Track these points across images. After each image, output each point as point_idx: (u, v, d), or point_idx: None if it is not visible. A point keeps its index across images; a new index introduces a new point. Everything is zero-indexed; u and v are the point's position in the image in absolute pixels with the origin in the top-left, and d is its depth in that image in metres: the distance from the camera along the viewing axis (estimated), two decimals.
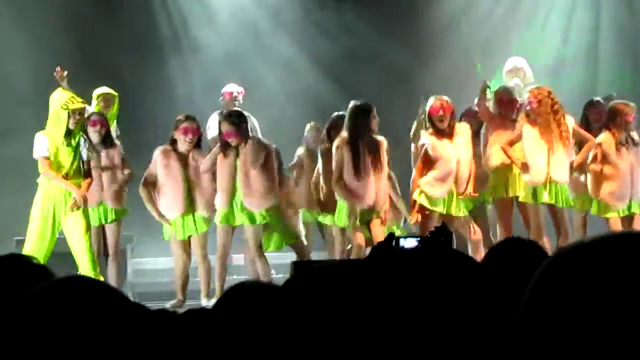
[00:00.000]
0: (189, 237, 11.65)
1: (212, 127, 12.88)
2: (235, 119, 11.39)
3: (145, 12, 15.77)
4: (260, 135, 12.64)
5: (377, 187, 11.25)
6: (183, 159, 11.53)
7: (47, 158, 11.05)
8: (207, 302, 10.98)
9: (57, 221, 11.05)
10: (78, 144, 11.19)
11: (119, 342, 2.40)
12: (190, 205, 11.55)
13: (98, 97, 12.62)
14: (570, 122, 11.27)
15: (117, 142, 12.02)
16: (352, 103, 11.41)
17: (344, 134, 11.21)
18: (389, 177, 11.74)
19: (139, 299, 11.40)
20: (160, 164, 11.39)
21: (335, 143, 11.26)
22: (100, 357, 2.37)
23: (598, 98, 12.21)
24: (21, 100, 14.08)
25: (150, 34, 15.73)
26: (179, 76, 15.12)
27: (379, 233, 11.18)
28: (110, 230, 11.85)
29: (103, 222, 11.81)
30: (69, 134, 11.01)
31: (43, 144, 11.12)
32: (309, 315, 2.22)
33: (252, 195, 11.27)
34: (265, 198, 11.32)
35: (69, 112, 11.00)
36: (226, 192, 11.32)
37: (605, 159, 11.23)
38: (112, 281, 11.43)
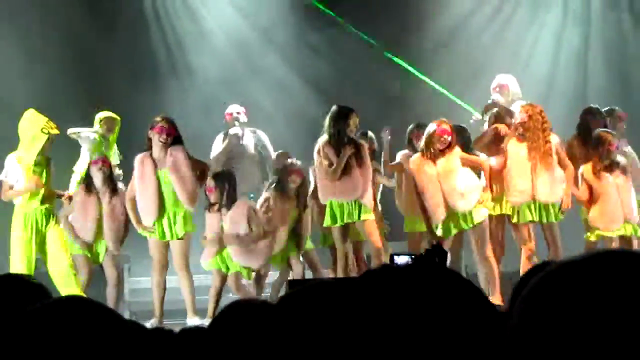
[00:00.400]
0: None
1: (215, 148, 12.92)
2: (221, 181, 11.49)
3: (142, 34, 15.82)
4: (270, 148, 12.72)
5: (365, 182, 11.19)
6: (159, 164, 11.21)
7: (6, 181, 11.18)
8: (194, 321, 10.85)
9: (38, 239, 11.07)
10: (49, 165, 11.29)
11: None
12: (163, 209, 11.23)
13: (101, 120, 12.59)
14: (555, 140, 11.27)
15: (119, 181, 11.93)
16: (333, 107, 11.44)
17: (325, 135, 11.22)
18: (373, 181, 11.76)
19: (136, 317, 11.40)
20: (137, 172, 11.25)
21: (318, 145, 11.24)
22: None
23: (598, 107, 12.29)
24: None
25: (146, 55, 15.77)
26: (175, 98, 15.11)
27: (374, 231, 11.24)
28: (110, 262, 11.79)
29: (100, 260, 11.73)
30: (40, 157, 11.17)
31: (7, 167, 11.28)
32: (302, 333, 2.22)
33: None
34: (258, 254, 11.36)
35: (48, 137, 11.05)
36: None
37: (590, 188, 11.30)
38: (111, 303, 11.36)
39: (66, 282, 10.99)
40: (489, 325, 1.81)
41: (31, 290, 3.50)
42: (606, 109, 12.43)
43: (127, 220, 11.48)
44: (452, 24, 15.98)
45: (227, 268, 11.34)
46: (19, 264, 10.97)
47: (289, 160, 11.87)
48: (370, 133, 12.17)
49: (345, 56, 15.93)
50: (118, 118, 12.49)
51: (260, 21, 15.89)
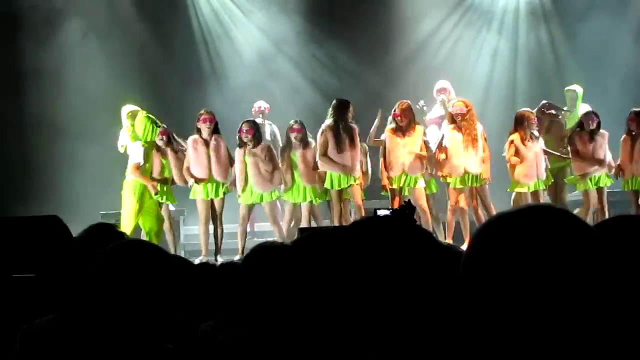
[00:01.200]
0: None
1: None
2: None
3: (191, 49, 15.78)
4: (279, 139, 12.58)
5: (354, 159, 11.15)
6: (206, 143, 11.22)
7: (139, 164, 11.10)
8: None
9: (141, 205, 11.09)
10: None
11: (168, 288, 2.41)
12: (210, 174, 11.18)
13: (128, 113, 12.11)
14: (480, 128, 11.29)
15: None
16: (335, 100, 11.43)
17: (329, 120, 11.16)
18: (364, 153, 11.74)
19: (189, 255, 11.40)
20: (191, 148, 11.24)
21: (322, 128, 11.20)
22: (155, 300, 2.37)
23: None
24: (94, 109, 14.06)
25: (194, 65, 15.72)
26: (215, 97, 15.05)
27: (357, 194, 11.26)
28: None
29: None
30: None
31: (139, 152, 11.18)
32: (310, 269, 2.23)
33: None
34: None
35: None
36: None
37: (517, 152, 11.25)
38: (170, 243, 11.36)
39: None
40: (438, 261, 1.82)
41: (116, 235, 3.52)
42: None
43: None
44: (417, 42, 15.85)
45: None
46: (125, 221, 11.04)
47: (291, 122, 11.76)
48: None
49: (340, 64, 15.91)
50: (139, 109, 12.13)
51: (277, 38, 15.81)
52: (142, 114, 11.42)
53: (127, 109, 12.10)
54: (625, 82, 14.59)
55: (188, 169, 11.20)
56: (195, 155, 11.17)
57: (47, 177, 13.81)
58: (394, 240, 1.83)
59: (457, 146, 11.13)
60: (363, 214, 11.01)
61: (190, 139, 11.24)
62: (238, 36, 15.95)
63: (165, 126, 11.46)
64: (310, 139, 11.59)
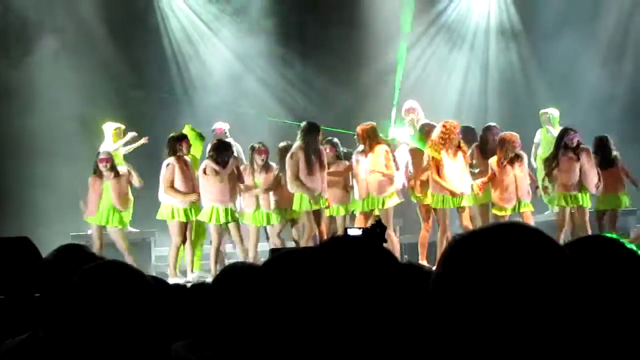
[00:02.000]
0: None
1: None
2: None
3: (163, 67, 15.80)
4: (243, 156, 12.55)
5: (323, 181, 11.20)
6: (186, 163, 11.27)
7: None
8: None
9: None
10: None
11: (143, 309, 2.41)
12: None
13: (115, 129, 12.47)
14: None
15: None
16: (304, 122, 11.46)
17: (298, 142, 11.16)
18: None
19: (161, 276, 11.35)
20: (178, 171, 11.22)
21: (292, 150, 11.18)
22: (129, 321, 2.37)
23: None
24: (65, 128, 14.01)
25: (166, 83, 15.73)
26: (187, 112, 15.09)
27: (324, 217, 11.41)
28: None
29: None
30: None
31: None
32: (280, 289, 2.24)
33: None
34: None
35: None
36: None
37: (493, 175, 11.17)
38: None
39: None
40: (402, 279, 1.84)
41: (86, 256, 3.50)
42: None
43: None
44: (388, 63, 15.91)
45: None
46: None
47: (256, 145, 11.80)
48: (335, 139, 12.01)
49: (308, 84, 15.95)
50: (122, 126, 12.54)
51: (247, 58, 15.86)
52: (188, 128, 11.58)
53: (111, 126, 12.27)
54: (594, 101, 14.72)
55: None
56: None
57: (17, 197, 13.71)
58: (360, 261, 1.85)
59: (450, 167, 11.08)
60: (324, 237, 11.03)
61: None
62: (208, 56, 15.97)
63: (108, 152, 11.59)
64: (270, 163, 11.69)
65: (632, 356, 1.77)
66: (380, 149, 11.20)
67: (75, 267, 2.60)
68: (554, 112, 12.99)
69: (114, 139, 12.39)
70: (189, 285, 4.04)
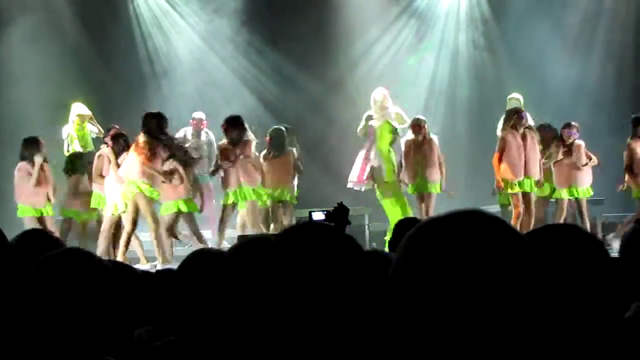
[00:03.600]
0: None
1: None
2: None
3: (132, 52, 15.71)
4: (215, 145, 12.51)
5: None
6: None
7: None
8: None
9: None
10: None
11: (104, 295, 2.41)
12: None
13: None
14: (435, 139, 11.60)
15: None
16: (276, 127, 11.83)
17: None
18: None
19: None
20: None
21: (263, 154, 11.59)
22: (90, 307, 2.37)
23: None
24: (31, 114, 13.89)
25: (135, 68, 15.66)
26: (155, 98, 15.04)
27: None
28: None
29: None
30: None
31: None
32: (245, 275, 2.25)
33: None
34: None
35: None
36: None
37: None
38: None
39: None
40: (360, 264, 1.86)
41: (49, 241, 3.48)
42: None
43: None
44: (360, 50, 15.91)
45: None
46: None
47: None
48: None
49: (281, 71, 15.93)
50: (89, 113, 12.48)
51: (216, 44, 15.82)
52: None
53: (77, 108, 12.16)
54: (561, 90, 14.80)
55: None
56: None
57: None
58: (322, 248, 1.85)
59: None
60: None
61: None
62: (178, 42, 15.91)
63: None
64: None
65: (588, 340, 1.79)
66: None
67: (38, 253, 2.59)
68: (520, 97, 13.06)
69: (75, 124, 12.24)
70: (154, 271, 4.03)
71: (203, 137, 12.99)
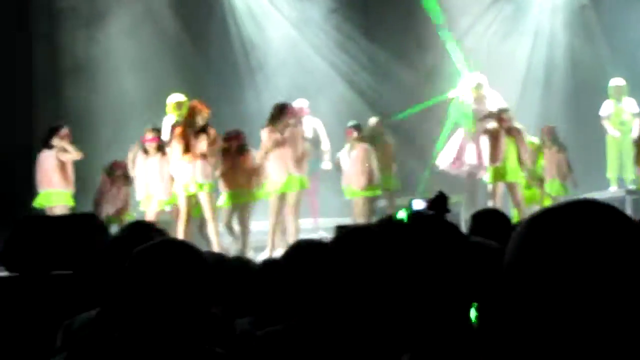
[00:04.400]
0: None
1: None
2: None
3: (225, 42, 15.80)
4: (324, 131, 12.50)
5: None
6: None
7: None
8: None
9: None
10: None
11: (204, 287, 2.42)
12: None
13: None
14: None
15: None
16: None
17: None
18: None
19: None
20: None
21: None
22: (191, 298, 2.38)
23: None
24: (128, 111, 14.10)
25: (229, 58, 15.74)
26: (250, 93, 15.13)
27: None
28: None
29: None
30: None
31: None
32: (351, 266, 2.23)
33: None
34: None
35: None
36: None
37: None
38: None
39: None
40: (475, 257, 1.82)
41: (155, 233, 3.52)
42: None
43: None
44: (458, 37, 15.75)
45: None
46: None
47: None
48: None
49: (374, 59, 15.85)
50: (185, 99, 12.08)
51: (307, 32, 15.79)
52: None
53: (173, 98, 12.00)
54: None
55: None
56: None
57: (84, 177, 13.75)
58: (426, 238, 1.83)
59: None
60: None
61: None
62: (271, 32, 15.89)
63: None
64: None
65: None
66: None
67: (137, 245, 2.61)
68: (621, 82, 12.78)
69: (172, 111, 12.06)
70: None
71: (306, 124, 12.77)
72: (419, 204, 7.56)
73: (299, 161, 10.68)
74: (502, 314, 1.53)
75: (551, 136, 12.03)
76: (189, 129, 10.41)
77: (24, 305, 7.53)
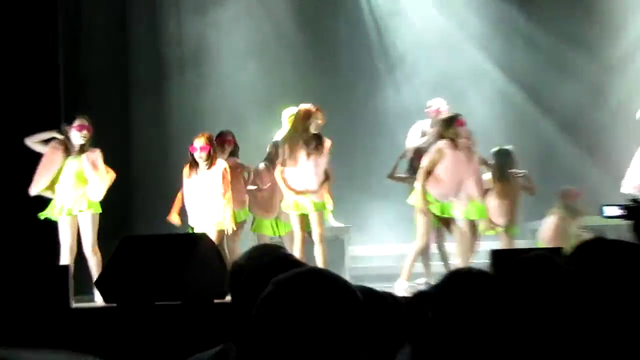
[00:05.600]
0: None
1: (410, 137, 12.53)
2: None
3: (358, 27, 15.89)
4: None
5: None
6: None
7: None
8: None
9: None
10: None
11: (356, 323, 2.47)
12: None
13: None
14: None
15: None
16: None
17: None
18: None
19: (355, 281, 11.42)
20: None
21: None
22: (336, 337, 2.45)
23: None
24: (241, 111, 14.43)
25: (364, 59, 15.83)
26: (388, 91, 15.22)
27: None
28: None
29: None
30: None
31: None
32: (527, 294, 2.31)
33: None
34: None
35: None
36: None
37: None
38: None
39: None
40: None
41: (284, 260, 3.62)
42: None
43: None
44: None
45: None
46: None
47: None
48: None
49: (541, 48, 15.65)
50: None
51: (457, 16, 15.72)
52: None
53: (289, 112, 12.22)
54: None
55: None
56: None
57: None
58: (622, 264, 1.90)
59: None
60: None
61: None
62: (414, 17, 15.81)
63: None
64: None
65: None
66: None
67: (272, 273, 2.66)
68: None
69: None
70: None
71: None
72: (612, 211, 7.63)
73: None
74: None
75: None
76: (299, 137, 10.64)
77: (122, 342, 7.67)
